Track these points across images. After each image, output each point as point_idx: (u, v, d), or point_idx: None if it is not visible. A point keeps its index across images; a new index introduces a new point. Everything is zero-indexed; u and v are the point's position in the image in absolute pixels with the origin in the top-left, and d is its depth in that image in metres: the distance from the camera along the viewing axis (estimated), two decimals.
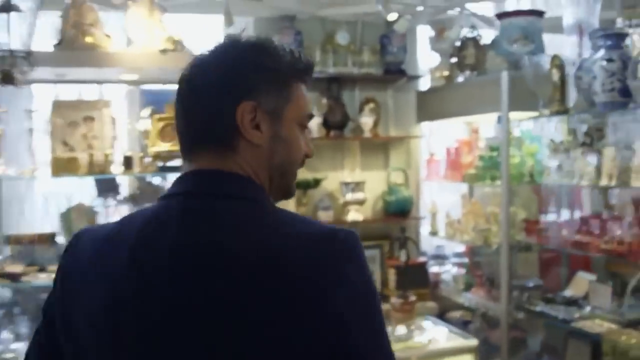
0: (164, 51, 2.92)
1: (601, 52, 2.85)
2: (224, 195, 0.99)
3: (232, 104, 1.01)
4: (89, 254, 1.03)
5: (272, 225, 0.96)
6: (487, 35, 3.96)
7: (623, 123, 3.34)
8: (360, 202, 4.14)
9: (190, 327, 0.91)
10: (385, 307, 3.37)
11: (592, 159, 3.07)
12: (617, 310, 3.12)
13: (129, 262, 0.97)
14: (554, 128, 3.67)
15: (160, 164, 3.17)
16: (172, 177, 3.80)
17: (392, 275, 3.98)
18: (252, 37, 1.08)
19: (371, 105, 4.15)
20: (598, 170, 3.03)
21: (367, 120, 4.11)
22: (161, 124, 3.17)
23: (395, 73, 4.15)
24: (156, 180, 3.79)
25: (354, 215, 4.11)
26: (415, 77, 4.31)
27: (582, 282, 3.49)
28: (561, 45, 3.47)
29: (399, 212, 4.24)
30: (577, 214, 3.64)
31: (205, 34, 3.93)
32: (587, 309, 3.23)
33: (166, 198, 1.03)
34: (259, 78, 1.03)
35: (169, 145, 3.15)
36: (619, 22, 3.11)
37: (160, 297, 0.93)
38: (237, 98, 1.01)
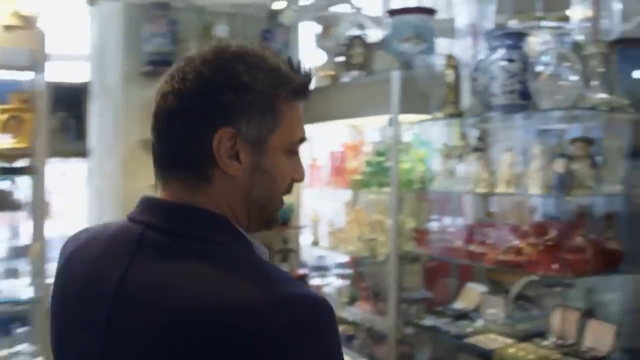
0: (8, 27, 2.43)
1: (500, 53, 2.71)
2: (186, 235, 0.88)
3: (210, 130, 0.89)
4: (62, 267, 1.01)
5: (227, 281, 0.82)
6: (373, 35, 3.77)
7: (507, 129, 3.26)
8: None
9: None
10: None
11: (485, 164, 2.93)
12: (509, 323, 3.01)
13: (81, 287, 0.93)
14: (440, 132, 3.54)
15: (3, 164, 2.66)
16: (22, 181, 3.36)
17: None
18: (242, 46, 0.95)
19: None
20: (491, 176, 2.90)
21: None
22: (5, 116, 2.66)
23: None
24: (3, 184, 3.24)
25: None
26: None
27: (472, 293, 3.36)
28: (451, 48, 3.34)
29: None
30: (468, 223, 3.51)
31: (64, 13, 3.46)
32: (479, 321, 3.09)
33: (131, 220, 0.94)
34: (242, 100, 0.90)
35: (14, 142, 2.65)
36: (512, 25, 3.01)
37: (97, 332, 0.87)
38: (215, 123, 0.89)
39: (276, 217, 1.01)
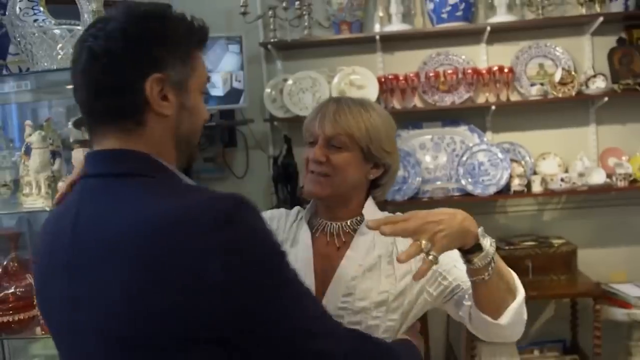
0: None
1: None
2: (117, 175, 1.02)
3: (141, 77, 1.01)
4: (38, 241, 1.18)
5: (155, 200, 0.97)
6: None
7: None
8: None
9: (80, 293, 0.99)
10: None
11: None
12: None
13: (45, 237, 1.10)
14: None
15: None
16: None
17: None
18: (149, 4, 1.05)
19: None
20: None
21: None
22: None
23: None
24: None
25: None
26: None
27: None
28: None
29: None
30: None
31: None
32: None
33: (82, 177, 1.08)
34: (164, 50, 1.03)
35: None
36: None
37: (60, 264, 1.02)
38: (145, 72, 1.01)
39: (197, 153, 1.14)
